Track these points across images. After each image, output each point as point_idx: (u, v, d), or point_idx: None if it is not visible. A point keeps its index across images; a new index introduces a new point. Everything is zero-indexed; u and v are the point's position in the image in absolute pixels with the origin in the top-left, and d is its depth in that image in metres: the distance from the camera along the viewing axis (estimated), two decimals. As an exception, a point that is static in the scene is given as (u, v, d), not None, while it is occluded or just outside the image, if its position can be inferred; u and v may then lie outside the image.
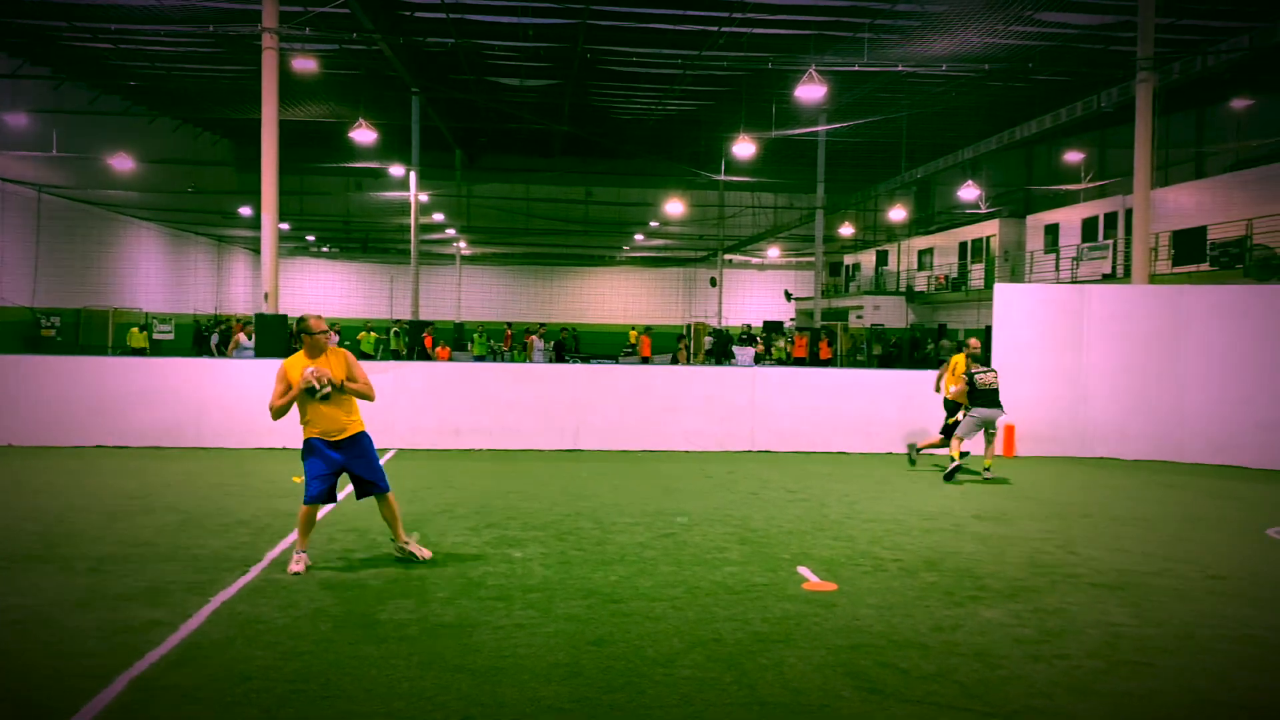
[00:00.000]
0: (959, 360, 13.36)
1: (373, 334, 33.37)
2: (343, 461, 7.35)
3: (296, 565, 7.21)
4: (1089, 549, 8.55)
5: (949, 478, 12.49)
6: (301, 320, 7.40)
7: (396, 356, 31.85)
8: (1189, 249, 27.23)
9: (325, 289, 53.68)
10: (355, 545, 8.10)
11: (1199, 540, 9.06)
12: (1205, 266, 26.04)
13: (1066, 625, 6.26)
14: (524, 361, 30.40)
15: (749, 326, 38.30)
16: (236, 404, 14.13)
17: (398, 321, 39.02)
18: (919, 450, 13.54)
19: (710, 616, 6.28)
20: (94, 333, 34.23)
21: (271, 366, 14.45)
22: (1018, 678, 5.29)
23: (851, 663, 5.47)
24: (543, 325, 31.67)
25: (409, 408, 14.33)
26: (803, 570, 7.52)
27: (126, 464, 12.46)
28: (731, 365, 24.63)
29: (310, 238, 54.15)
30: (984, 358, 13.64)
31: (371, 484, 7.43)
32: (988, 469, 12.80)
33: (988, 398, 12.86)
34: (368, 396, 7.40)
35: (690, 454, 14.51)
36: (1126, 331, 14.99)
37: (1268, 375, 14.11)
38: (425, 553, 7.65)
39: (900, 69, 24.51)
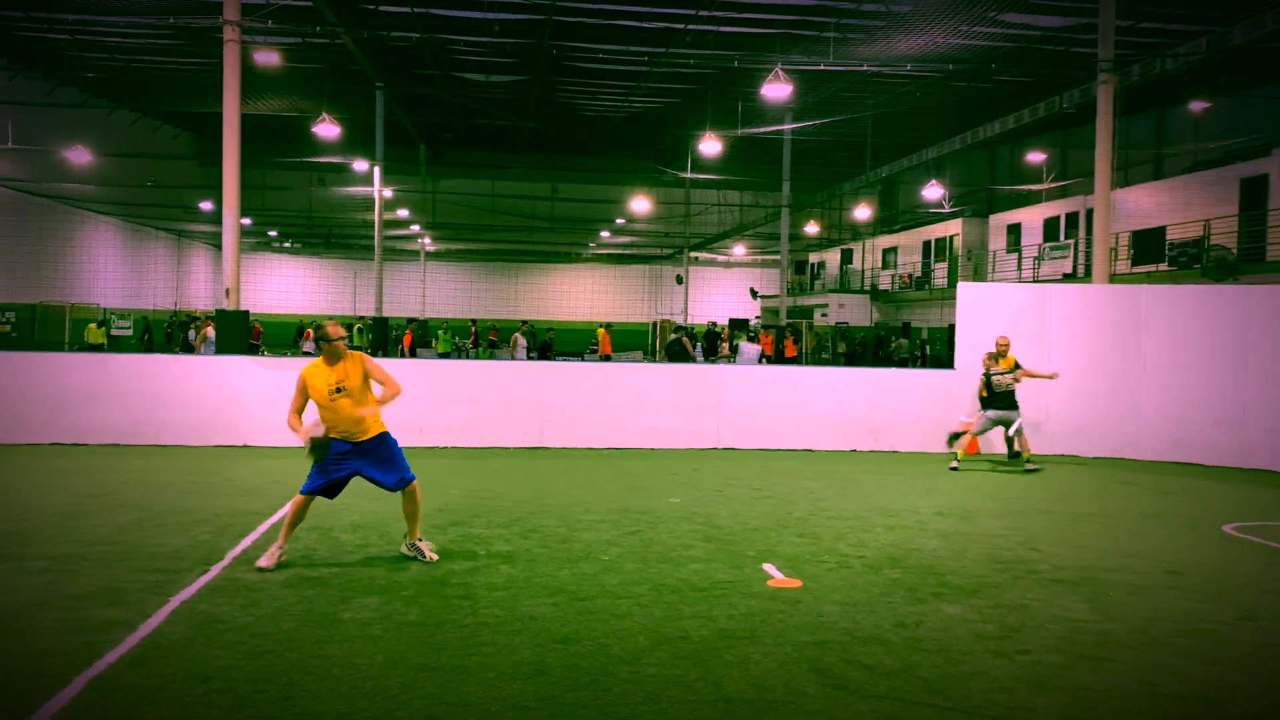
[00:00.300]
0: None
1: (335, 331, 33.02)
2: (359, 462, 7.34)
3: (268, 560, 7.14)
4: (1049, 545, 8.66)
5: (1028, 469, 13.33)
6: (319, 328, 7.39)
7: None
8: (1148, 249, 27.64)
9: (288, 285, 53.17)
10: (318, 544, 8.03)
11: (1157, 536, 9.20)
12: (1164, 266, 26.44)
13: (1027, 621, 6.33)
14: (490, 359, 30.29)
15: (714, 324, 38.42)
16: (197, 401, 13.97)
17: (361, 318, 38.76)
18: (1022, 455, 13.80)
19: (676, 614, 6.28)
20: (50, 328, 33.70)
21: (231, 363, 14.30)
22: (979, 673, 5.34)
23: (816, 659, 5.50)
24: (525, 323, 31.60)
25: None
26: (768, 567, 7.55)
27: (84, 462, 12.28)
28: (736, 361, 24.63)
29: (273, 233, 53.61)
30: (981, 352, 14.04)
31: (395, 479, 7.42)
32: (1029, 461, 13.46)
33: (1003, 399, 13.45)
34: (395, 396, 7.29)
35: (656, 451, 14.53)
36: (1087, 330, 15.19)
37: (1223, 374, 14.34)
38: (432, 555, 7.59)
39: (865, 68, 24.67)
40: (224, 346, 15.80)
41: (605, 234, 54.06)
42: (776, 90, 22.34)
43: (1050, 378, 13.96)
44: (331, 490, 7.36)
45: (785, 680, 5.16)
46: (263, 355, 19.39)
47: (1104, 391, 15.04)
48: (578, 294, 55.44)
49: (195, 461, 12.47)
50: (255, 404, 14.01)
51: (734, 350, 22.36)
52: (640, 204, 40.23)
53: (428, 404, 14.46)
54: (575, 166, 49.39)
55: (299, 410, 7.29)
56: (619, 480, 11.78)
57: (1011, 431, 13.69)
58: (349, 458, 7.32)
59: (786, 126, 33.68)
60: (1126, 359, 15.03)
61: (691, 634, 5.88)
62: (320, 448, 7.18)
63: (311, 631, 5.77)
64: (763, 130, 32.63)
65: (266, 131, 38.34)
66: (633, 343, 45.10)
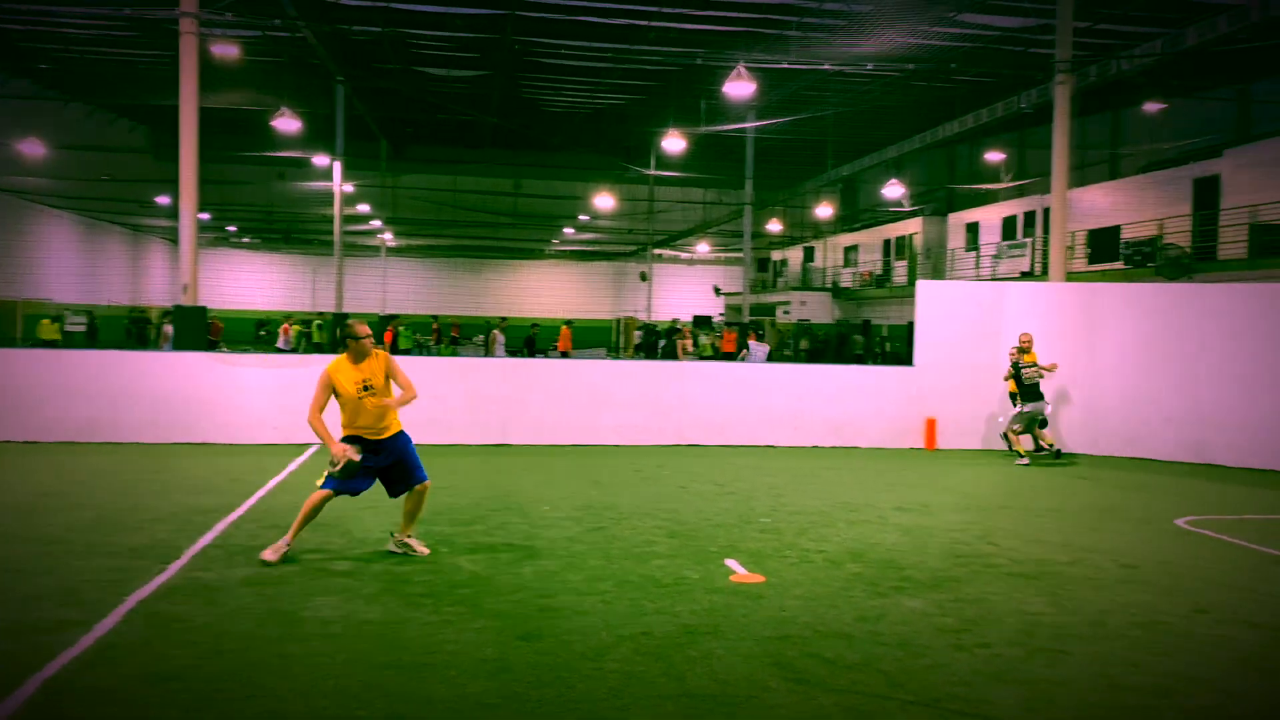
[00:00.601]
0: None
1: (295, 326, 32.77)
2: (379, 460, 7.43)
3: (272, 553, 7.17)
4: (1007, 539, 8.77)
5: (1058, 456, 14.13)
6: (346, 326, 7.52)
7: (319, 350, 31.34)
8: (1103, 248, 28.07)
9: (246, 280, 52.59)
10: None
11: (1112, 530, 9.34)
12: (1119, 265, 26.85)
13: (986, 614, 6.41)
14: (453, 355, 30.13)
15: (676, 321, 38.50)
16: (155, 398, 13.76)
17: (321, 314, 38.40)
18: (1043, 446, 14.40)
19: (639, 610, 6.29)
20: (2, 324, 33.08)
21: (189, 360, 14.12)
22: (939, 666, 5.40)
23: (778, 653, 5.53)
24: (504, 319, 31.44)
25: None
26: (730, 563, 7.58)
27: (38, 460, 12.06)
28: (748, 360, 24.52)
29: (231, 228, 52.96)
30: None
31: (410, 478, 7.53)
32: (1023, 456, 14.02)
33: (1033, 391, 13.99)
34: (411, 400, 7.44)
35: (620, 448, 14.53)
36: (1043, 328, 15.36)
37: (1176, 371, 14.58)
38: (423, 549, 7.67)
39: (827, 67, 24.81)
40: (182, 343, 15.60)
41: (569, 230, 53.95)
42: (739, 88, 22.39)
43: (1050, 369, 14.37)
44: (354, 489, 7.44)
45: (748, 675, 5.19)
46: (222, 352, 19.15)
47: (1061, 388, 15.23)
48: (541, 290, 55.28)
49: (153, 459, 12.29)
50: (214, 401, 13.84)
51: (744, 348, 22.27)
52: (604, 201, 40.19)
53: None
54: (538, 162, 49.21)
55: (322, 408, 7.31)
56: (582, 477, 11.77)
57: (1047, 411, 14.30)
58: (370, 456, 7.41)
59: (749, 125, 33.80)
60: (1083, 356, 15.24)
61: (654, 630, 5.89)
62: (350, 470, 7.26)
63: (272, 630, 5.72)
64: (726, 128, 32.72)
65: (225, 125, 37.82)
66: (596, 340, 45.08)
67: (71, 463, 11.90)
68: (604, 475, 11.96)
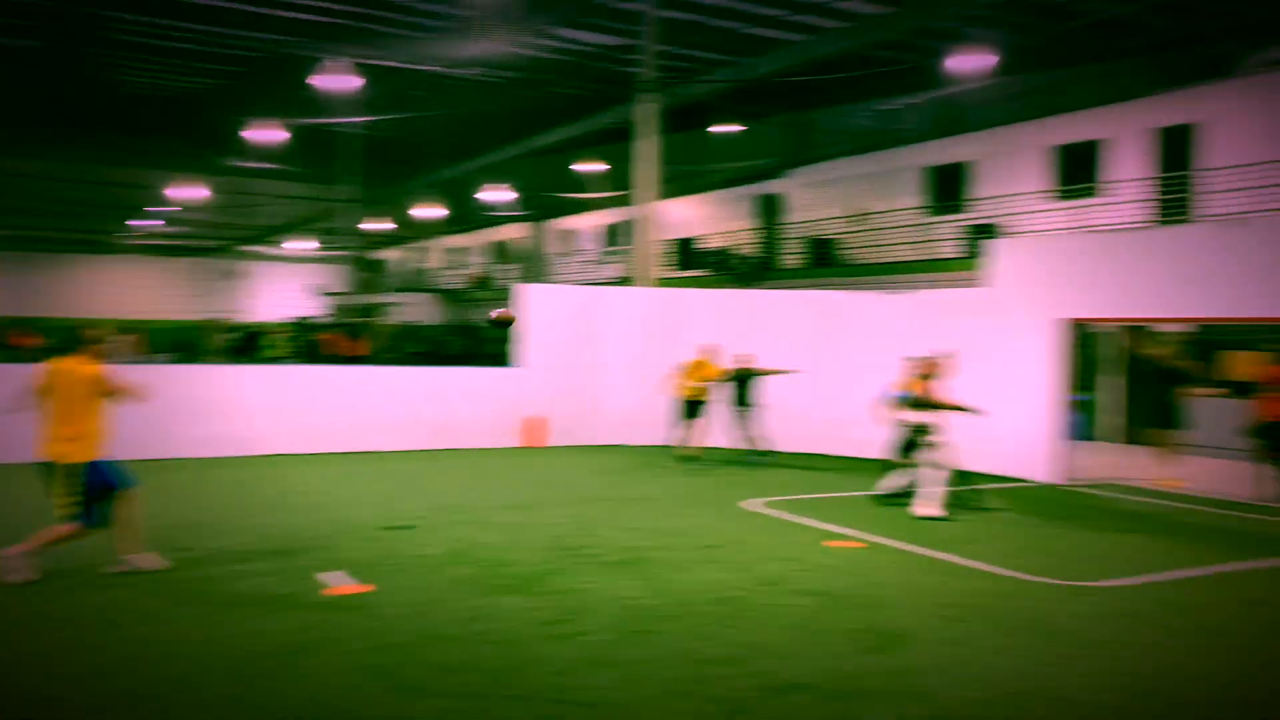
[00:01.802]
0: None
1: None
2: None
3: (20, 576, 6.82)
4: (604, 530, 9.25)
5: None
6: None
7: None
8: (688, 256, 30.46)
9: None
10: None
11: (692, 516, 10.16)
12: (701, 272, 29.30)
13: (583, 604, 6.71)
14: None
15: (258, 323, 36.53)
16: None
17: None
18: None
19: (226, 633, 5.89)
20: None
21: None
22: (540, 659, 5.57)
23: (380, 663, 5.42)
24: (130, 323, 27.84)
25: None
26: (329, 575, 7.32)
27: None
28: None
29: None
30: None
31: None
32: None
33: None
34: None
35: (204, 460, 13.46)
36: (635, 330, 16.38)
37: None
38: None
39: (429, 69, 24.76)
40: None
41: (148, 223, 49.28)
42: (330, 81, 21.74)
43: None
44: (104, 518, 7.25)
45: (351, 688, 5.05)
46: None
47: (650, 386, 16.25)
48: (110, 288, 50.08)
49: None
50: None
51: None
52: (189, 191, 37.25)
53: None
54: (108, 145, 44.36)
55: None
56: (166, 494, 10.77)
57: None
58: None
59: (347, 120, 32.90)
60: (669, 355, 16.36)
61: (249, 651, 5.55)
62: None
63: None
64: (324, 121, 31.62)
65: None
66: (182, 342, 41.59)
67: None
68: (192, 491, 11.08)
